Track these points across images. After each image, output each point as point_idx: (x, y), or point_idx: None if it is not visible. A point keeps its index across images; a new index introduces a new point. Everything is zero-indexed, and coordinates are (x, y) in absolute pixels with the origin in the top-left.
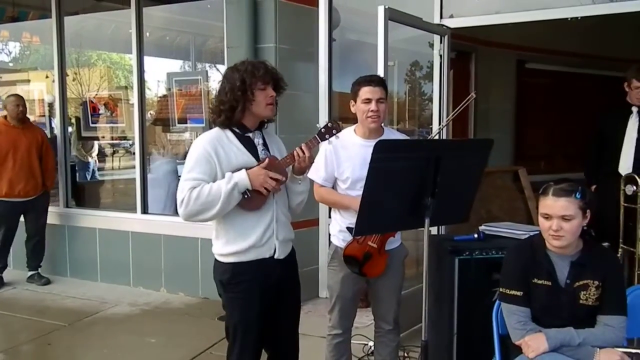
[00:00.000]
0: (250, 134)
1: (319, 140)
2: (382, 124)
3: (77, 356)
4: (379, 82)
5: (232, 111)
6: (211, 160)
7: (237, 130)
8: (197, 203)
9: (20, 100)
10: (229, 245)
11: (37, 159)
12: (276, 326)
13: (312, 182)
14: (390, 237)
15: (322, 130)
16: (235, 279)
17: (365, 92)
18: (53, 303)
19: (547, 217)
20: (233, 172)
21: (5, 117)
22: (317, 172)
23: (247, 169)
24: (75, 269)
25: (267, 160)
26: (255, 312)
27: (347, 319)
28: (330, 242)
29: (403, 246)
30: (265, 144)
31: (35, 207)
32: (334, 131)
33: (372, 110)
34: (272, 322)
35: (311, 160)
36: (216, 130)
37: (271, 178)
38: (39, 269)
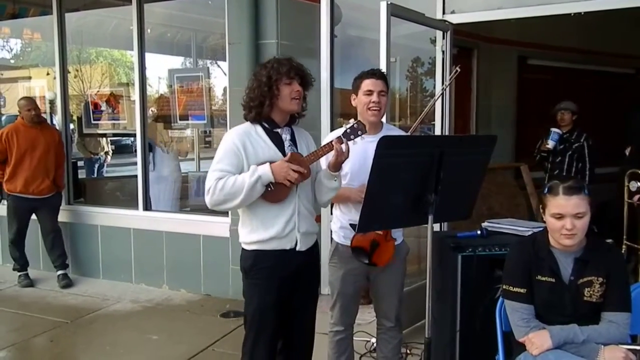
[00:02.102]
0: (279, 130)
1: (343, 140)
2: (382, 120)
3: (79, 353)
4: (381, 76)
5: (261, 106)
6: (239, 154)
7: (267, 125)
8: (221, 193)
9: (31, 104)
10: (252, 233)
11: (53, 159)
12: (292, 316)
13: None
14: None
15: (348, 130)
16: (257, 266)
17: (367, 84)
18: (55, 300)
19: (560, 216)
20: (258, 165)
21: (22, 117)
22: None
23: (271, 163)
24: (77, 266)
25: (289, 155)
26: (273, 299)
27: (349, 315)
28: (331, 238)
29: (405, 243)
30: (293, 140)
31: (48, 205)
32: (359, 132)
33: (373, 102)
34: (288, 312)
35: (347, 155)
36: (246, 124)
37: (293, 171)
38: (66, 270)
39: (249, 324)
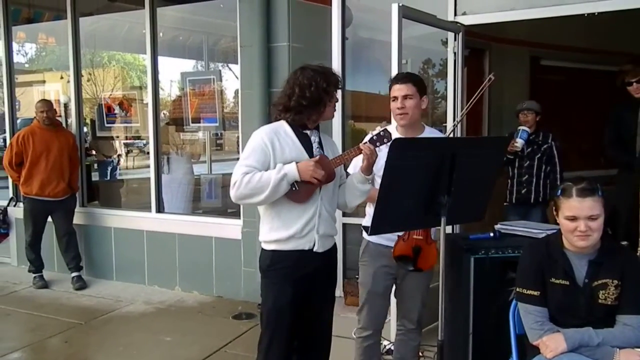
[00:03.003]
0: (308, 132)
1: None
2: (424, 124)
3: (93, 354)
4: (404, 79)
5: (308, 110)
6: (266, 150)
7: (297, 127)
8: (247, 187)
9: (45, 106)
10: (272, 232)
11: (67, 161)
12: (308, 318)
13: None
14: None
15: (374, 137)
16: (274, 266)
17: (393, 90)
18: (69, 301)
19: (573, 218)
20: (285, 164)
21: (38, 119)
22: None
23: (297, 162)
24: (91, 268)
25: (318, 157)
26: (289, 299)
27: (378, 317)
28: (362, 238)
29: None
30: (320, 143)
31: (63, 207)
32: (385, 140)
33: (398, 108)
34: (305, 313)
35: (377, 155)
36: (276, 124)
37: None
38: (80, 272)
39: (265, 323)
